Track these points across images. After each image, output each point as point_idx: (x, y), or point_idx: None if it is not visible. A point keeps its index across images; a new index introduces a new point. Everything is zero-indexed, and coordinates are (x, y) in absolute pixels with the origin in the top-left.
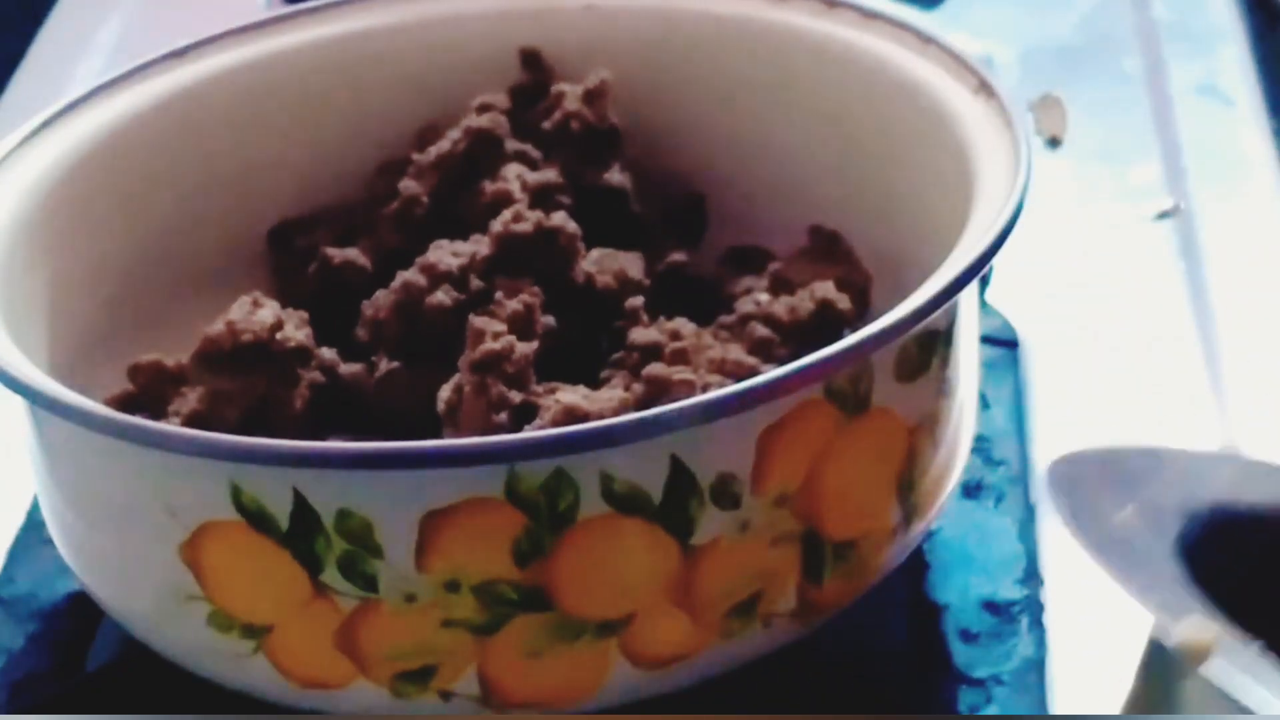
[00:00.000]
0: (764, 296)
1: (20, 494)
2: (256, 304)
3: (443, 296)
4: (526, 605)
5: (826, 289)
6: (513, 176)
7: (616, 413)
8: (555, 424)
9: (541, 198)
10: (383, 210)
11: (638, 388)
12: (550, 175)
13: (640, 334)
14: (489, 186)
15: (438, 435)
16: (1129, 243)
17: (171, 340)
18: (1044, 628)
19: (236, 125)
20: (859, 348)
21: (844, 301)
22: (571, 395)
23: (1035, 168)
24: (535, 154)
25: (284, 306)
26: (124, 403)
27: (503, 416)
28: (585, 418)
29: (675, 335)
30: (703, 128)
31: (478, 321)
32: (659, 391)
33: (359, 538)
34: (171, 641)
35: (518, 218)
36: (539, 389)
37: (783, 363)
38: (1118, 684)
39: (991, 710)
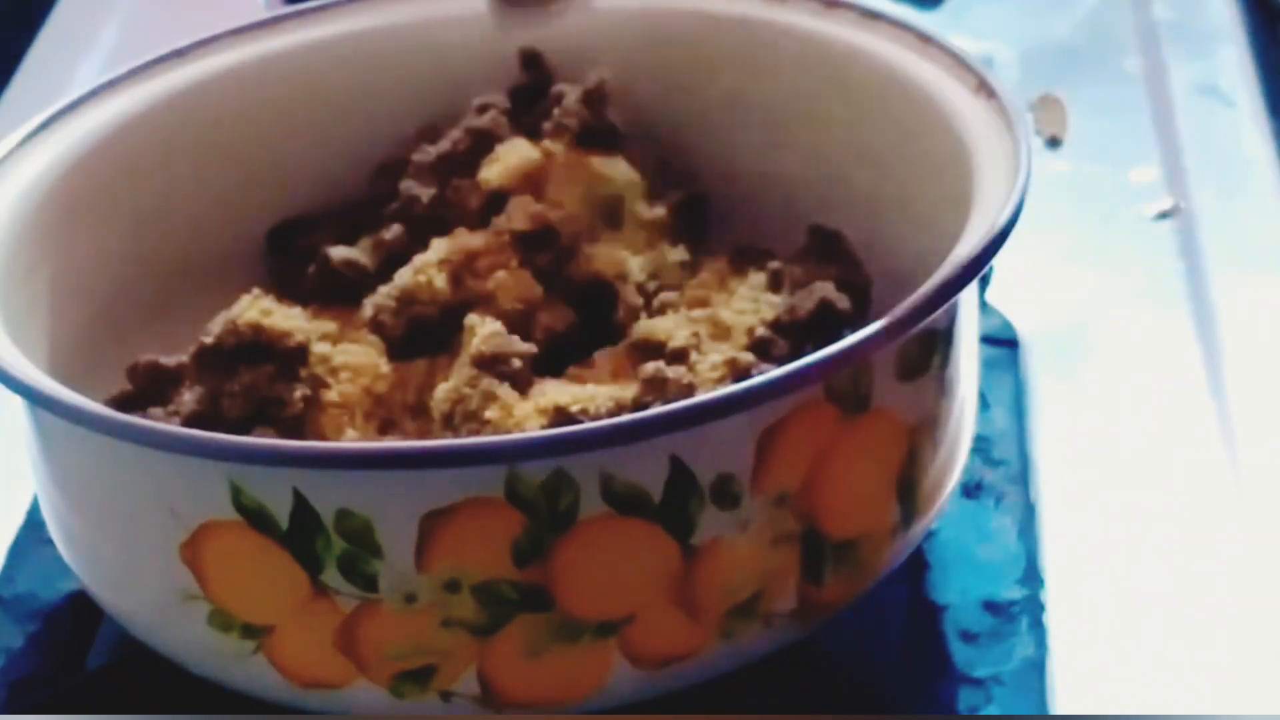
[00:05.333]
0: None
1: (20, 494)
2: (256, 302)
3: (443, 294)
4: (526, 605)
5: (826, 289)
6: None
7: (615, 413)
8: (550, 424)
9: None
10: (383, 210)
11: (636, 387)
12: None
13: (639, 332)
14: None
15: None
16: (1129, 243)
17: (171, 340)
18: (1044, 628)
19: (236, 125)
20: (859, 348)
21: (844, 301)
22: (565, 394)
23: (1035, 168)
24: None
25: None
26: (124, 403)
27: (501, 415)
28: (582, 416)
29: (674, 334)
30: (703, 127)
31: (476, 320)
32: (658, 391)
33: (359, 538)
34: (171, 641)
35: (518, 215)
36: (537, 387)
37: (783, 363)
38: (1117, 684)
39: (991, 710)
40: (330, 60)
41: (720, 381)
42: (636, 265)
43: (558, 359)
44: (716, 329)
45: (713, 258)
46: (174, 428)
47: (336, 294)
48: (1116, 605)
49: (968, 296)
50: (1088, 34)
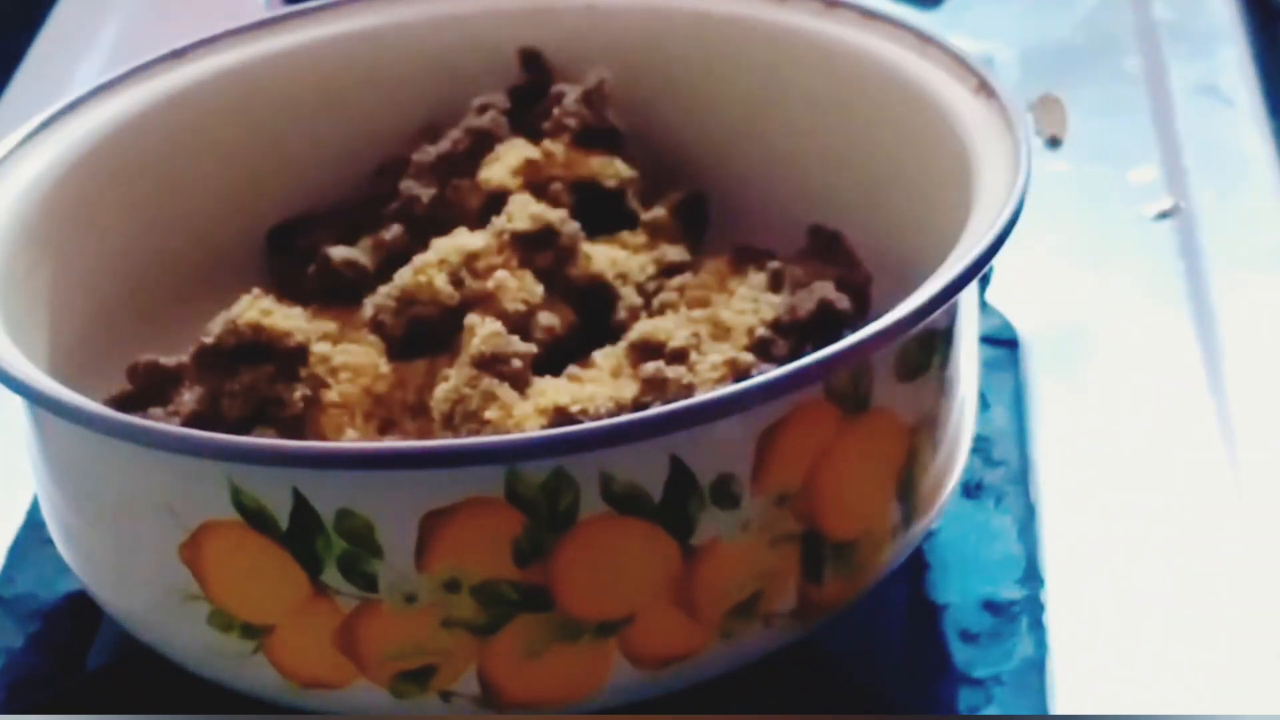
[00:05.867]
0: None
1: (20, 494)
2: (256, 302)
3: (443, 294)
4: (526, 605)
5: (826, 289)
6: (512, 175)
7: (615, 413)
8: (550, 424)
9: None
10: (383, 210)
11: (636, 387)
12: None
13: (639, 332)
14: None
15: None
16: (1129, 243)
17: (171, 340)
18: (1044, 628)
19: (236, 125)
20: (859, 348)
21: (844, 301)
22: (565, 394)
23: (1035, 168)
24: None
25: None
26: (124, 403)
27: (501, 415)
28: (582, 415)
29: (674, 334)
30: (703, 127)
31: (476, 320)
32: (658, 391)
33: (359, 538)
34: (171, 641)
35: (518, 215)
36: (537, 387)
37: (783, 363)
38: (1117, 684)
39: (991, 710)
40: (330, 60)
41: (720, 381)
42: (636, 265)
43: (558, 359)
44: (716, 329)
45: (713, 258)
46: (174, 428)
47: (336, 294)
48: (1116, 605)
49: (968, 296)
50: (1088, 34)
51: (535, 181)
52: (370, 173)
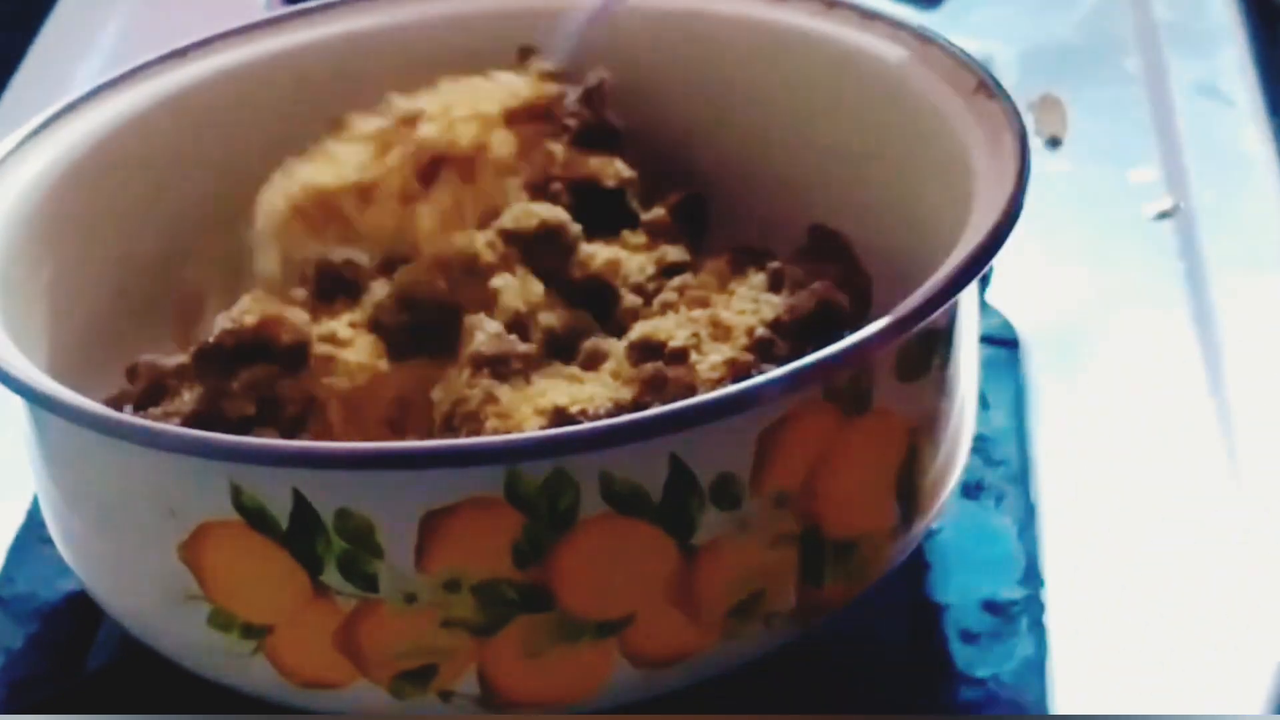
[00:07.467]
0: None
1: (20, 494)
2: (257, 302)
3: (443, 294)
4: (526, 605)
5: (826, 289)
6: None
7: (615, 413)
8: (550, 424)
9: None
10: None
11: (635, 387)
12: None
13: (639, 332)
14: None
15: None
16: (1129, 243)
17: (171, 340)
18: (1044, 628)
19: (237, 125)
20: (859, 348)
21: (844, 301)
22: (565, 395)
23: (1035, 168)
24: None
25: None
26: (124, 403)
27: (501, 417)
28: (582, 416)
29: (674, 334)
30: (703, 127)
31: (476, 320)
32: (658, 391)
33: (359, 538)
34: (171, 641)
35: (519, 215)
36: (537, 387)
37: (783, 363)
38: (1118, 684)
39: (991, 710)
40: (330, 60)
41: (720, 381)
42: (636, 265)
43: (558, 359)
44: (716, 329)
45: (713, 258)
46: (174, 428)
47: (336, 294)
48: (1116, 605)
49: (968, 296)
50: (1088, 34)
51: (535, 182)
52: None
